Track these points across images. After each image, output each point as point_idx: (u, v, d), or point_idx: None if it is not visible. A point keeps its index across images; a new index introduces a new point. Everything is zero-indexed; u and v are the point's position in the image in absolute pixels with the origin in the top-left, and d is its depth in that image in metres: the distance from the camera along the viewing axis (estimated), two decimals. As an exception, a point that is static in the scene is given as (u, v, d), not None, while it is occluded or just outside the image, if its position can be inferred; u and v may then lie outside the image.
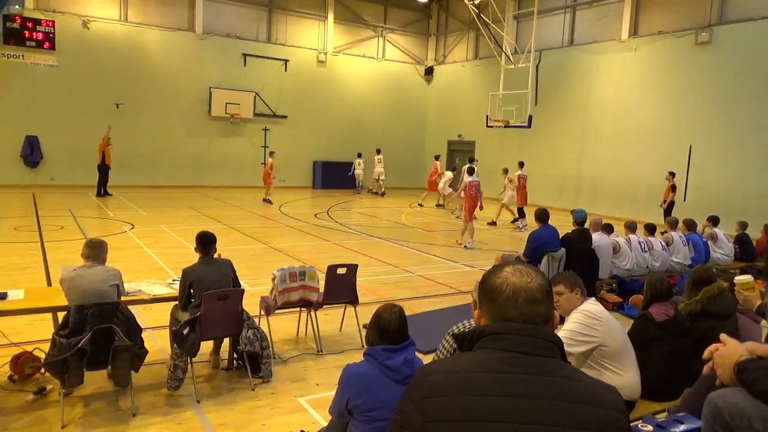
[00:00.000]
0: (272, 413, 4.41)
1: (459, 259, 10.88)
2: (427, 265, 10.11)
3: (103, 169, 17.18)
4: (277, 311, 5.66)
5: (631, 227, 8.69)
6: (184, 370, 4.62)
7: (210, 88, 21.46)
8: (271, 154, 18.91)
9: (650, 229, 8.86)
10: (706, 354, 2.14)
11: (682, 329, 4.19)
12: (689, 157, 16.35)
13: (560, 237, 7.78)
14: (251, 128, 22.72)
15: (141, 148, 20.29)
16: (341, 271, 5.90)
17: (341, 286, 5.91)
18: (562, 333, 3.58)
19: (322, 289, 5.85)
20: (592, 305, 3.76)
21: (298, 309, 6.01)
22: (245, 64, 22.24)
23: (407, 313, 3.16)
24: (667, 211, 14.53)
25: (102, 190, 17.22)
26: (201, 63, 21.39)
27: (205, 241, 4.98)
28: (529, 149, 21.26)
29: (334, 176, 23.40)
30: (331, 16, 24.07)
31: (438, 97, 26.22)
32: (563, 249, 7.58)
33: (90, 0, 19.59)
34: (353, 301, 6.02)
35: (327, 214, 16.18)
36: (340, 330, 6.31)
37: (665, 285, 4.32)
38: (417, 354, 3.01)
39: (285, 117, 23.27)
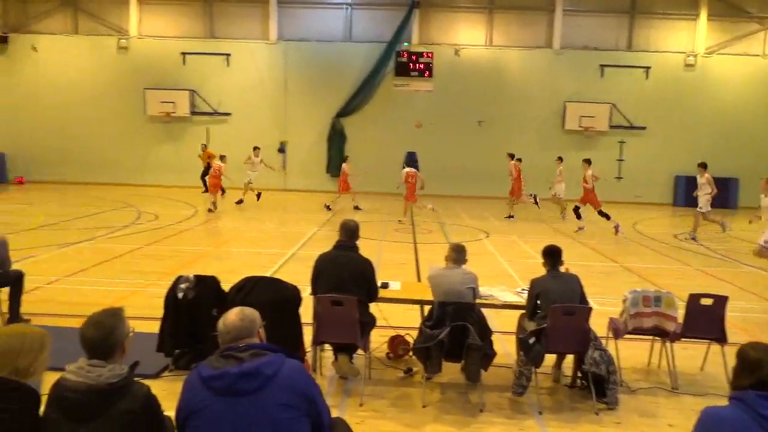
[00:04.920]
0: (616, 443, 4.18)
1: None
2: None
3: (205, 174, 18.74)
4: (626, 336, 5.32)
5: None
6: (528, 378, 4.76)
7: (564, 101, 21.53)
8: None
9: None
10: None
11: None
12: None
13: None
14: (606, 141, 21.91)
15: (498, 163, 21.46)
16: (706, 301, 5.20)
17: (705, 319, 5.20)
18: None
19: (680, 319, 5.25)
20: None
21: (651, 337, 5.53)
22: (602, 75, 21.60)
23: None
24: None
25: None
26: (556, 77, 21.66)
27: (553, 254, 5.03)
28: None
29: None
30: (704, 14, 21.40)
31: None
32: None
33: (462, 29, 21.98)
34: (720, 338, 5.23)
35: (690, 235, 14.38)
36: (701, 369, 5.56)
37: None
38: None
39: (644, 128, 21.69)
